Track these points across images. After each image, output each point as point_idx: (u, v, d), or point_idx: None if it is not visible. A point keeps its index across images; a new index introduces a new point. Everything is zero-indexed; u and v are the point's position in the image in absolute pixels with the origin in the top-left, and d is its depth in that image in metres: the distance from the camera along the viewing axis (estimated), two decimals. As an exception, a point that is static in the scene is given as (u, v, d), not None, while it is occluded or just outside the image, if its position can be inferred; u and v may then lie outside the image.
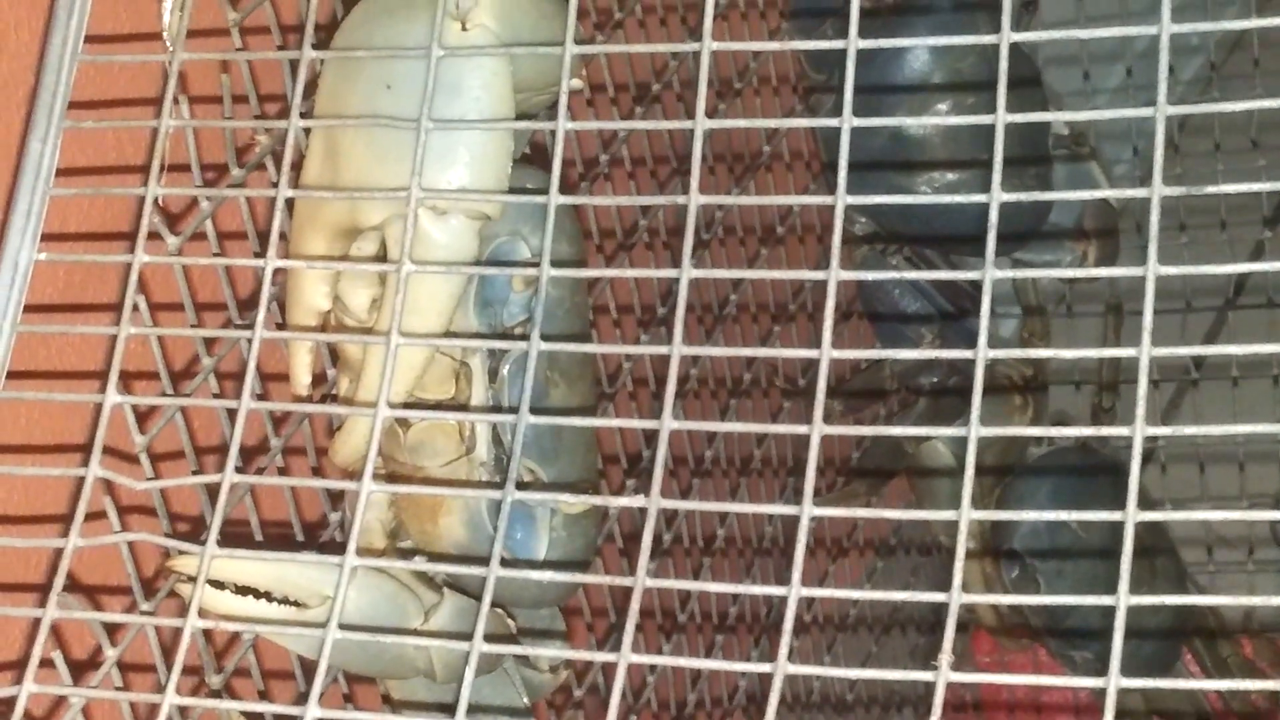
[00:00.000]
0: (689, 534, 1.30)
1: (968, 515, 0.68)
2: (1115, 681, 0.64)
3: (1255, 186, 0.75)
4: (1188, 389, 1.83)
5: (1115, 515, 0.67)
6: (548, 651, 0.94)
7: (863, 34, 0.74)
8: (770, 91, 1.43)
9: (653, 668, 1.24)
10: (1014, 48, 0.72)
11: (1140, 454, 0.69)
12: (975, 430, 0.70)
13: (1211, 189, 0.75)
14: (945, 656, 0.66)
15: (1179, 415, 1.85)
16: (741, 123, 1.33)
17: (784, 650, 0.68)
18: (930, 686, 0.65)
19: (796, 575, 0.69)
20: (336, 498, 0.98)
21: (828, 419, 1.46)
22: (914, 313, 1.41)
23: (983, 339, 0.72)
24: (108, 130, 0.86)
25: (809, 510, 0.69)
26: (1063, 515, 0.74)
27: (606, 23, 1.16)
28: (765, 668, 0.67)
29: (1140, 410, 0.69)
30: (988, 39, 0.74)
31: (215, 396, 0.88)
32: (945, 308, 1.41)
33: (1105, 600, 0.65)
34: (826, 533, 1.57)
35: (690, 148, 0.73)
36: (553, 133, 0.74)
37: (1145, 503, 1.64)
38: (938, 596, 0.68)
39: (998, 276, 0.72)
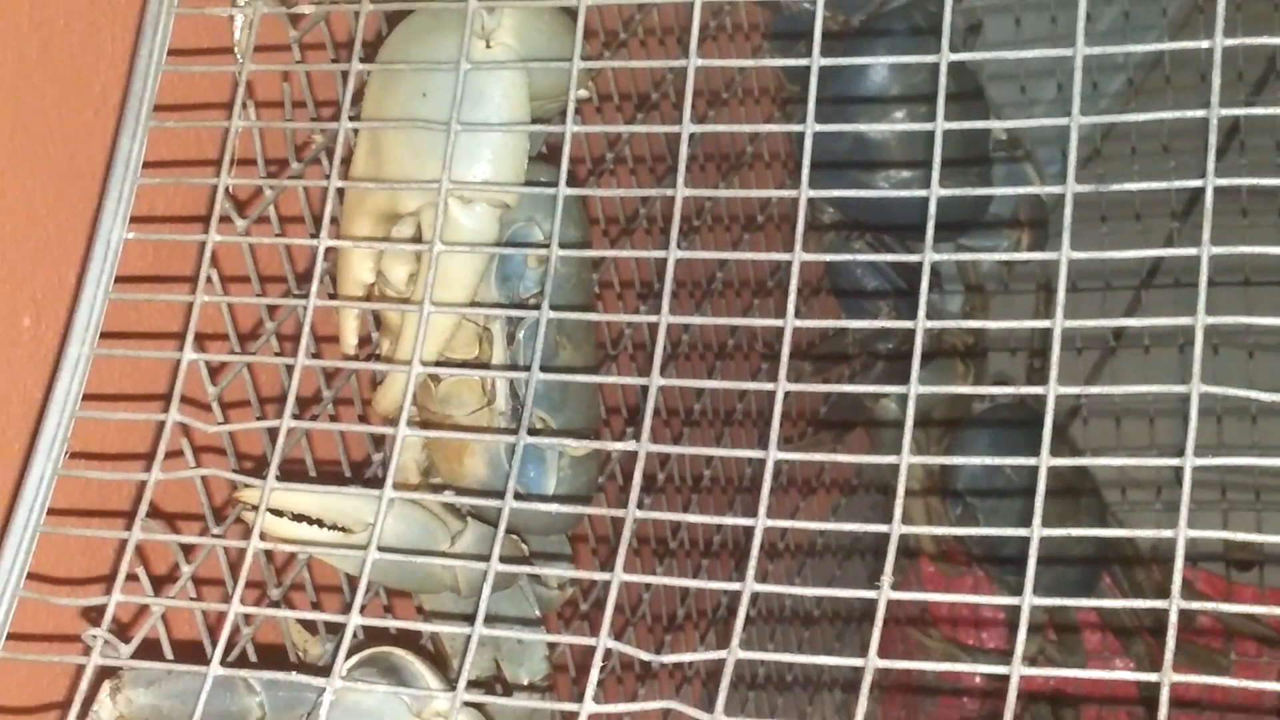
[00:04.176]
0: (679, 474, 1.31)
1: (907, 460, 0.69)
2: (1029, 600, 0.64)
3: (1153, 185, 0.75)
4: (1109, 356, 1.83)
5: (1031, 461, 0.67)
6: (555, 571, 0.94)
7: (832, 54, 0.74)
8: (752, 101, 1.43)
9: (646, 586, 1.25)
10: (959, 65, 0.73)
11: (1053, 410, 0.69)
12: (914, 389, 0.70)
13: (1116, 187, 0.75)
14: (886, 578, 0.66)
15: (1101, 378, 1.85)
16: (722, 127, 1.33)
17: (751, 572, 0.68)
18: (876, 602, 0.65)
19: (762, 509, 0.69)
20: (378, 441, 0.98)
21: (801, 378, 1.46)
22: (873, 289, 1.42)
23: (921, 312, 0.72)
24: (187, 129, 0.86)
25: (774, 455, 0.69)
26: (988, 461, 0.74)
27: (613, 41, 1.16)
28: (736, 586, 0.67)
29: (1053, 373, 0.69)
30: (929, 59, 0.74)
31: (276, 354, 0.88)
32: (899, 285, 1.41)
33: (1021, 532, 0.66)
34: (798, 474, 1.57)
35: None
36: (563, 134, 0.75)
37: (1069, 451, 1.64)
38: (881, 528, 0.69)
39: (935, 259, 0.72)
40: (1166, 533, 0.64)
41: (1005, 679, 0.62)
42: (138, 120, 0.79)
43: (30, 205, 0.80)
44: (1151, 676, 0.60)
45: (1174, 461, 0.66)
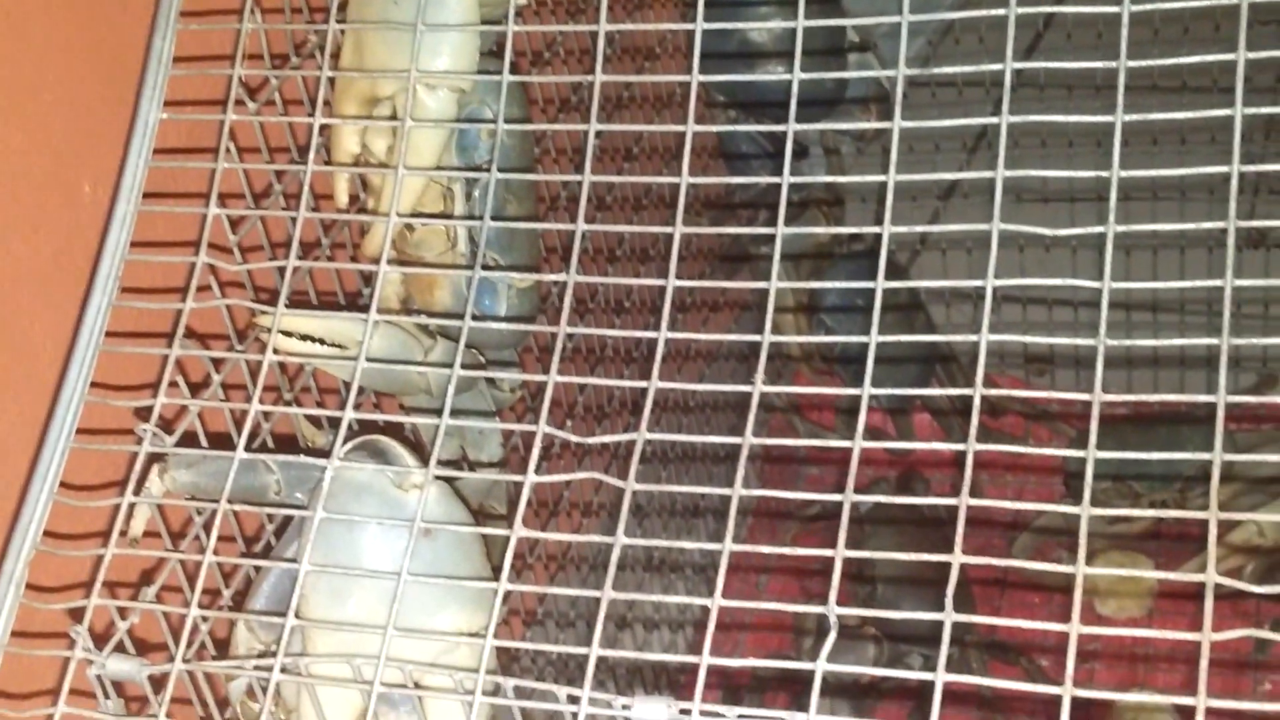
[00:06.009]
0: (606, 299, 1.30)
1: (775, 285, 0.69)
2: (868, 390, 0.65)
3: (966, 69, 0.75)
4: (942, 205, 1.83)
5: (870, 284, 0.67)
6: (507, 375, 0.94)
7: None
8: (660, 5, 1.41)
9: (580, 387, 1.25)
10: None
11: (887, 245, 0.69)
12: (781, 230, 0.70)
13: (937, 70, 0.75)
14: (759, 375, 0.67)
15: (938, 222, 1.86)
16: (632, 26, 1.31)
17: (655, 373, 0.69)
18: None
19: (664, 324, 0.69)
20: (366, 277, 0.98)
21: (699, 224, 1.45)
22: (753, 154, 1.41)
23: (786, 170, 0.72)
24: (208, 30, 0.84)
25: (672, 283, 0.70)
26: (838, 285, 0.74)
27: (549, -41, 1.14)
28: (643, 384, 0.68)
29: (887, 217, 0.69)
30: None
31: (283, 209, 0.88)
32: (771, 151, 1.41)
33: (864, 339, 0.66)
34: (701, 299, 1.57)
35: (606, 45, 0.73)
36: (507, 33, 0.74)
37: (901, 278, 1.64)
38: (754, 337, 0.69)
39: (798, 129, 0.72)
40: (973, 337, 0.65)
41: (849, 450, 0.63)
42: (168, 23, 0.78)
43: (86, 96, 0.78)
44: (959, 446, 0.61)
45: (979, 282, 0.66)
